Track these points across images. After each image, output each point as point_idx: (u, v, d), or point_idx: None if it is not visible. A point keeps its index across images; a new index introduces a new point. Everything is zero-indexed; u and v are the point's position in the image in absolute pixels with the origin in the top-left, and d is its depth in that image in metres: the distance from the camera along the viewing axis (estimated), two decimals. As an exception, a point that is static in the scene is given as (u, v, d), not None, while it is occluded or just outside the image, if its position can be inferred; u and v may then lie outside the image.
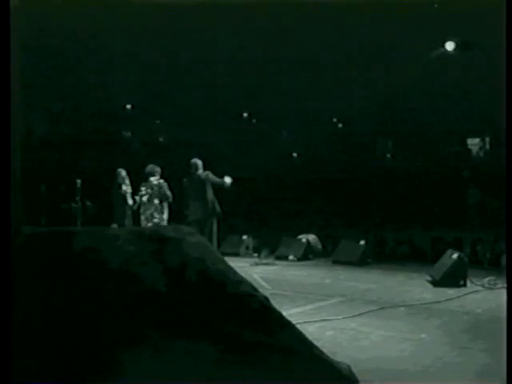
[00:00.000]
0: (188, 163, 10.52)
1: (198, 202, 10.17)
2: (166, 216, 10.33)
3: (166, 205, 10.33)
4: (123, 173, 11.87)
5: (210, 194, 10.23)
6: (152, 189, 10.19)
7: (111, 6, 13.86)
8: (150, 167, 10.44)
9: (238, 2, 13.25)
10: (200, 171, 10.35)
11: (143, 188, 10.34)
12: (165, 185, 10.29)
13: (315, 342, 3.88)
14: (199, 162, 10.44)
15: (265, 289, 8.30)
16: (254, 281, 8.51)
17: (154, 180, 10.25)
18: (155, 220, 10.11)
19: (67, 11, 13.77)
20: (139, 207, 10.48)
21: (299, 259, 12.47)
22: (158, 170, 10.42)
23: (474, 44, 14.74)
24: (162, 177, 10.41)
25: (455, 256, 9.24)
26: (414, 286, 9.19)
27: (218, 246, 11.31)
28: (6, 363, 3.06)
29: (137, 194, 10.67)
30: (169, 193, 10.27)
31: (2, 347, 3.09)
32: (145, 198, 10.24)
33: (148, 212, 10.19)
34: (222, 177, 10.31)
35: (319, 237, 13.63)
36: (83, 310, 3.48)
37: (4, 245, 3.35)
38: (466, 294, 8.41)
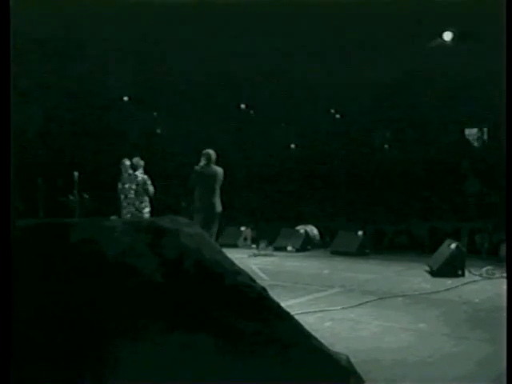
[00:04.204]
0: (183, 154, 10.31)
1: (209, 196, 9.54)
2: (148, 210, 10.32)
3: (148, 199, 10.32)
4: (127, 162, 11.64)
5: (218, 191, 9.74)
6: (137, 184, 10.20)
7: (109, 1, 13.80)
8: (134, 160, 10.41)
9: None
10: (214, 165, 9.68)
11: (128, 182, 10.31)
12: (148, 180, 10.28)
13: (314, 333, 3.87)
14: (213, 153, 9.69)
15: (263, 280, 8.32)
16: (253, 272, 8.52)
17: (138, 174, 10.26)
18: (138, 215, 10.12)
19: (64, 6, 13.70)
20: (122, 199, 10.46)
21: (298, 250, 12.49)
22: (142, 163, 10.42)
23: (472, 34, 14.69)
24: (145, 170, 10.40)
25: (453, 246, 9.25)
26: (413, 276, 9.20)
27: (217, 237, 11.25)
28: (5, 360, 3.05)
29: (120, 187, 10.62)
30: (151, 188, 10.27)
31: (1, 344, 3.08)
32: (131, 193, 10.23)
33: (132, 207, 10.20)
34: None
35: (317, 228, 13.64)
36: (80, 302, 3.46)
37: (3, 239, 3.33)
38: (464, 284, 8.43)
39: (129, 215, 10.21)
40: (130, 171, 10.48)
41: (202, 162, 9.64)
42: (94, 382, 3.17)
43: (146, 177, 10.32)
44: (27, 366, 3.17)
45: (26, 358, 3.20)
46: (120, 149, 16.50)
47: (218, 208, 9.61)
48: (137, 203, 10.21)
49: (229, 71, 18.68)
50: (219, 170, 9.70)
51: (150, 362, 3.28)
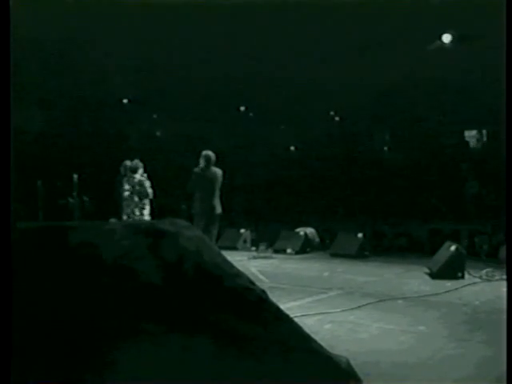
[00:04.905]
0: (184, 156, 10.04)
1: (213, 197, 9.50)
2: (146, 212, 10.26)
3: (147, 201, 10.25)
4: (128, 164, 11.52)
5: (218, 193, 9.64)
6: (133, 186, 10.16)
7: (108, 2, 13.80)
8: (133, 163, 10.37)
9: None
10: (213, 167, 9.61)
11: (126, 184, 10.30)
12: (146, 182, 10.23)
13: (313, 336, 3.86)
14: (213, 155, 9.61)
15: (263, 282, 8.31)
16: (252, 274, 8.51)
17: (136, 176, 10.22)
18: (135, 217, 10.07)
19: (64, 7, 13.71)
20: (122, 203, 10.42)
21: (297, 252, 12.47)
22: (141, 165, 10.34)
23: (471, 36, 14.71)
24: (145, 171, 10.35)
25: (453, 248, 9.24)
26: (412, 279, 9.19)
27: (216, 239, 11.20)
28: (6, 361, 3.05)
29: (120, 190, 10.59)
30: (150, 190, 10.21)
31: (2, 345, 3.08)
32: (126, 194, 10.20)
33: (128, 209, 10.16)
34: None
35: (317, 230, 13.63)
36: (79, 305, 3.46)
37: (3, 241, 3.33)
38: (463, 286, 8.42)
39: (125, 217, 10.17)
40: (129, 173, 10.47)
41: (202, 164, 9.59)
42: (94, 383, 3.17)
43: (143, 178, 10.26)
44: (27, 367, 3.17)
45: (26, 359, 3.19)
46: (120, 151, 16.51)
47: (218, 210, 9.58)
48: (132, 205, 10.16)
49: (228, 73, 18.68)
50: (219, 172, 9.65)
51: (150, 365, 3.28)
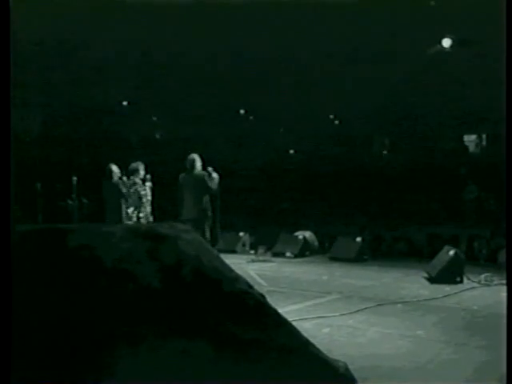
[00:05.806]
0: (185, 159, 9.96)
1: (194, 201, 9.45)
2: (142, 215, 10.19)
3: (143, 204, 10.19)
4: (113, 168, 11.33)
5: (206, 195, 9.52)
6: (128, 188, 10.14)
7: (108, 3, 13.82)
8: (131, 166, 10.32)
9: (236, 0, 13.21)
10: (198, 169, 9.60)
11: (123, 187, 10.28)
12: (146, 184, 10.19)
13: (311, 340, 3.86)
14: (197, 158, 9.64)
15: (261, 286, 8.32)
16: (251, 278, 8.52)
17: (132, 178, 10.19)
18: (133, 219, 10.04)
19: (63, 8, 13.72)
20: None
21: (296, 256, 12.47)
22: (139, 167, 10.26)
23: (471, 40, 14.73)
24: (146, 173, 10.30)
25: (452, 252, 9.24)
26: (411, 283, 9.19)
27: (215, 243, 11.14)
28: (5, 363, 3.05)
29: (105, 194, 10.55)
30: (143, 192, 10.16)
31: (2, 347, 3.08)
32: (124, 198, 10.19)
33: (124, 211, 10.13)
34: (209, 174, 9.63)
35: (316, 233, 13.62)
36: (78, 307, 3.46)
37: (3, 244, 3.32)
38: (462, 291, 8.42)
39: (125, 219, 10.15)
40: (124, 177, 10.44)
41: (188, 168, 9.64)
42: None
43: (138, 181, 10.21)
44: (26, 370, 3.17)
45: (25, 362, 3.19)
46: (119, 153, 16.51)
47: (207, 213, 9.48)
48: (124, 207, 10.13)
49: (228, 76, 18.70)
50: (203, 174, 9.52)
51: (148, 368, 3.28)
